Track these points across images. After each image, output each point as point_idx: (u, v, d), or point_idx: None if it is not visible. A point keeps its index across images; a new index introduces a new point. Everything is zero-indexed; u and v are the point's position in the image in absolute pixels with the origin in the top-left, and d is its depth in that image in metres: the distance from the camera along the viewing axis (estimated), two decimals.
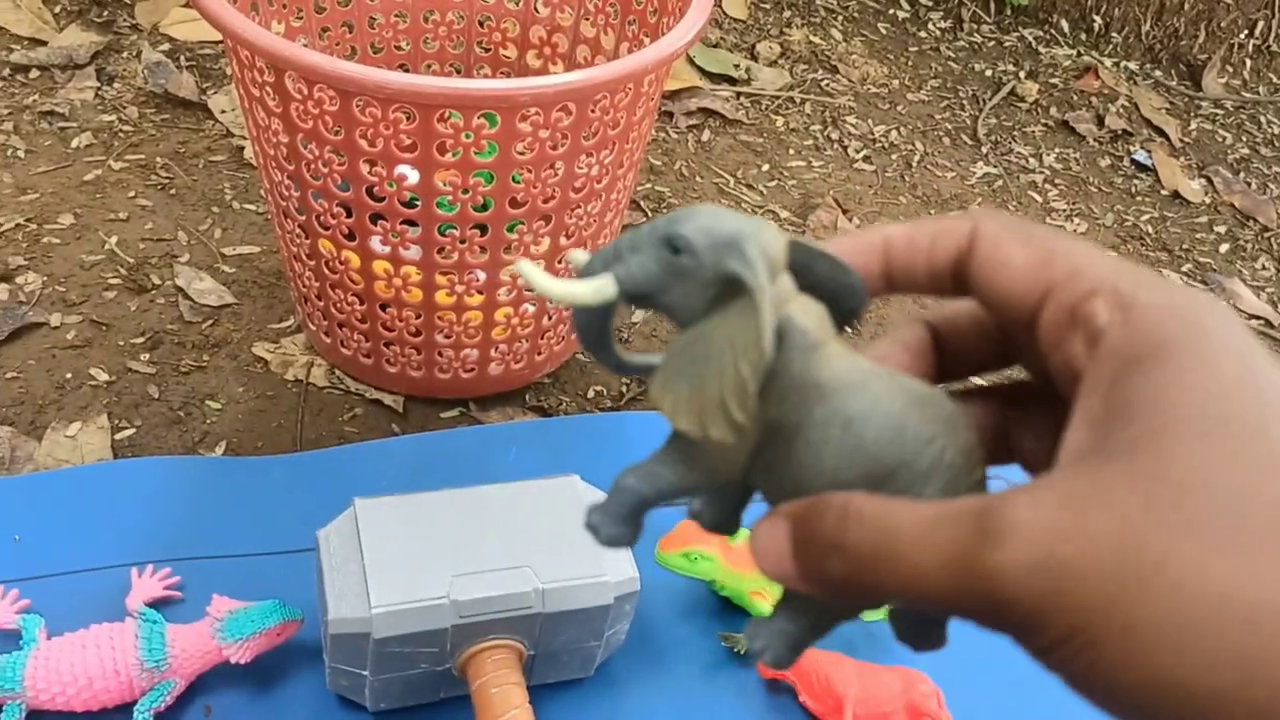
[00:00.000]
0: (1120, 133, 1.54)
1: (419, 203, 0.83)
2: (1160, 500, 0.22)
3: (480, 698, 0.69)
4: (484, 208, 0.84)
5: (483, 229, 0.86)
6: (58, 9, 1.38)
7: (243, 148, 1.23)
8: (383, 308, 0.93)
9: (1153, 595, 0.22)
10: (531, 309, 0.95)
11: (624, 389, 1.05)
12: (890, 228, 0.30)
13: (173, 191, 1.16)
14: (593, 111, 0.81)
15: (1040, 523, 0.23)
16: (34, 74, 1.28)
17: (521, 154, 0.81)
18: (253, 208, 1.16)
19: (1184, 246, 1.36)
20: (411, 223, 0.85)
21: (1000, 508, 0.24)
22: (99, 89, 1.27)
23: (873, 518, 0.26)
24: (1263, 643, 0.21)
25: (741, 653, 0.80)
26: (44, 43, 1.32)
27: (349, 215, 0.86)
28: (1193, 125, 1.60)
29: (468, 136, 0.78)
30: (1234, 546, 0.21)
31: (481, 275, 0.90)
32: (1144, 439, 0.23)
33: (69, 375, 0.96)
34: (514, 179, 0.82)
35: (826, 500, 0.27)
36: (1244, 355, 0.23)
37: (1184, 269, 1.33)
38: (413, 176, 0.82)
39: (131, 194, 1.15)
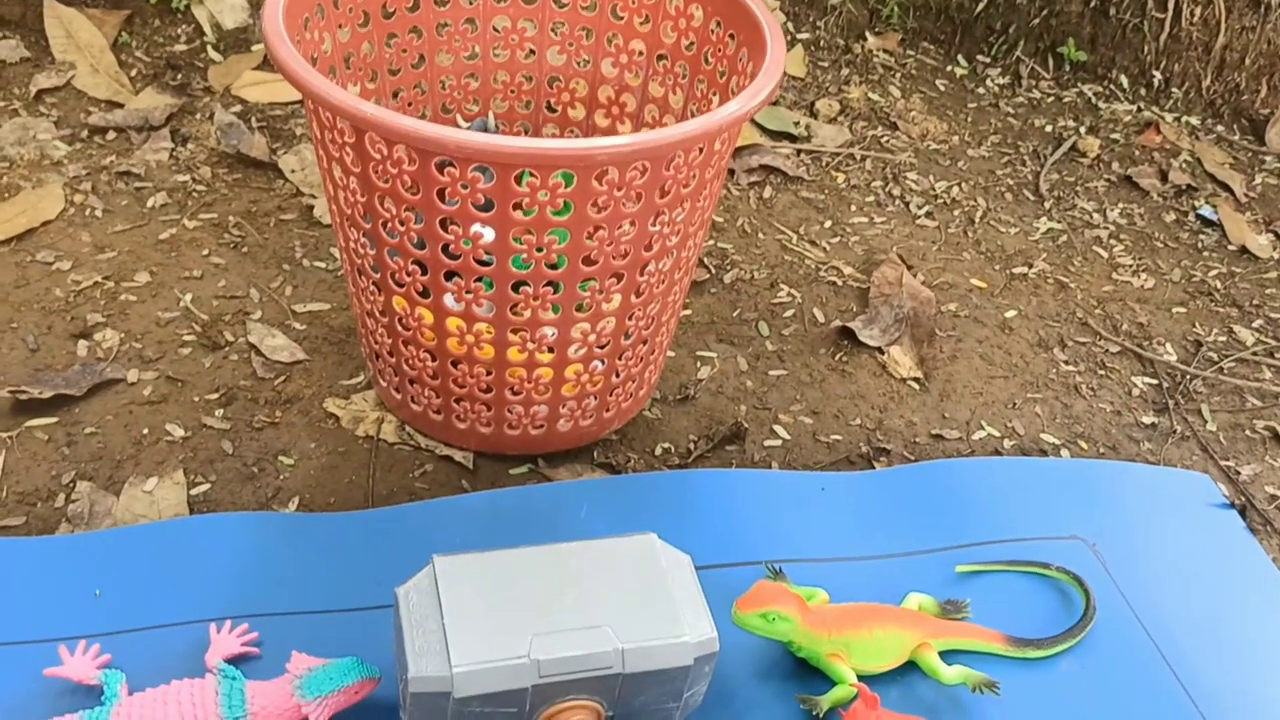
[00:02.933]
0: (1185, 188, 1.53)
1: (493, 260, 0.84)
2: None
3: None
4: (557, 265, 0.84)
5: (555, 286, 0.86)
6: (134, 73, 1.41)
7: (312, 206, 1.25)
8: (454, 364, 0.93)
9: None
10: (601, 366, 0.95)
11: (691, 446, 1.04)
12: None
13: (245, 250, 1.18)
14: (667, 170, 0.82)
15: None
16: (111, 135, 1.31)
17: (596, 212, 0.81)
18: (323, 265, 1.18)
19: (1254, 302, 1.34)
20: (485, 280, 0.85)
21: None
22: (173, 150, 1.30)
23: None
24: None
25: (819, 716, 0.79)
26: (120, 105, 1.35)
27: (424, 273, 0.86)
28: (1257, 180, 1.58)
29: (544, 195, 0.79)
30: None
31: (552, 332, 0.90)
32: None
33: (145, 431, 0.97)
34: (588, 238, 0.83)
35: None
36: None
37: (1254, 324, 1.31)
38: (488, 235, 0.83)
39: (205, 252, 1.17)
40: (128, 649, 0.77)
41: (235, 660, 0.77)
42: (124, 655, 0.76)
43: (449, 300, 0.88)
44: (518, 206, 0.80)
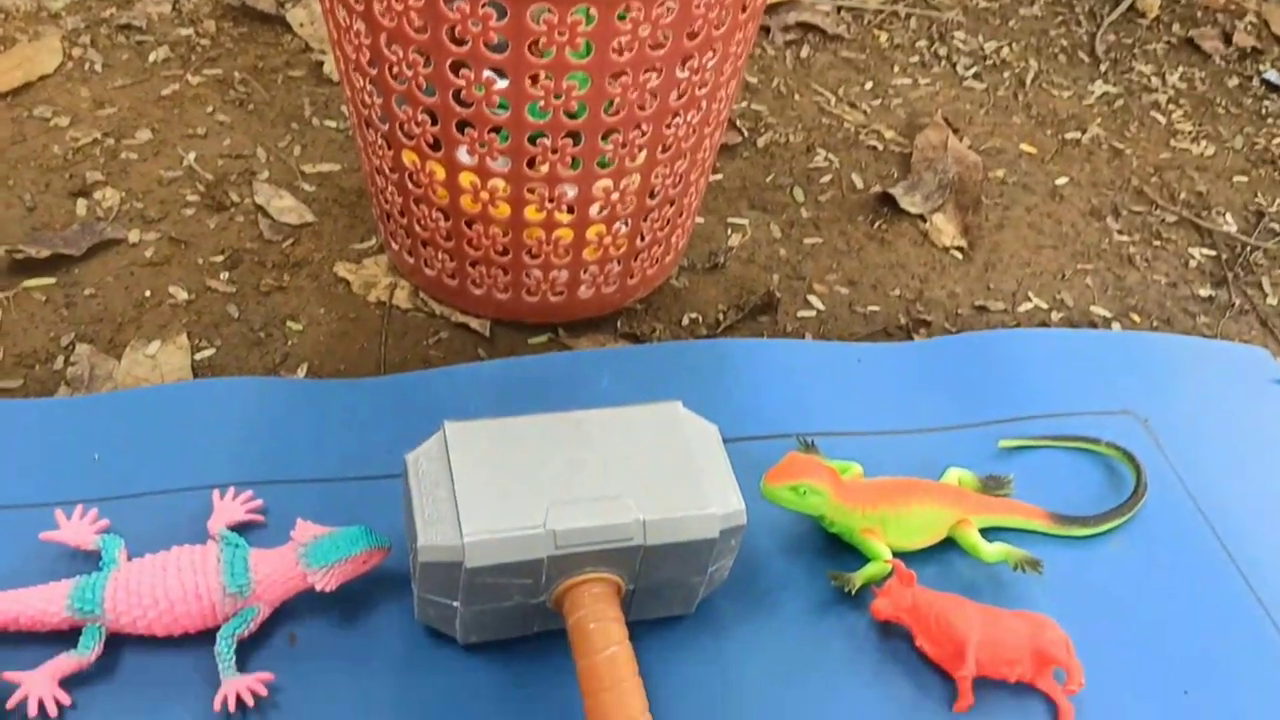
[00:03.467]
0: (1249, 51, 1.43)
1: (508, 108, 0.77)
2: None
3: (577, 633, 0.65)
4: (577, 115, 0.78)
5: (575, 138, 0.80)
6: None
7: (322, 63, 1.18)
8: (468, 224, 0.88)
9: None
10: (625, 228, 0.89)
11: (720, 316, 0.99)
12: None
13: (251, 107, 1.12)
14: (697, 8, 0.75)
15: None
16: None
17: (619, 55, 0.75)
18: (333, 124, 1.12)
19: None
20: (500, 131, 0.79)
21: None
22: (176, 2, 1.23)
23: None
24: None
25: (852, 593, 0.75)
26: None
27: (434, 123, 0.80)
28: None
29: (562, 35, 0.72)
30: None
31: (572, 190, 0.85)
32: None
33: (147, 293, 0.93)
34: (610, 83, 0.76)
35: None
36: None
37: None
38: (502, 82, 0.76)
39: (209, 109, 1.11)
40: (127, 515, 0.73)
41: (239, 528, 0.73)
42: (123, 521, 0.73)
43: (461, 154, 0.82)
44: (534, 48, 0.73)
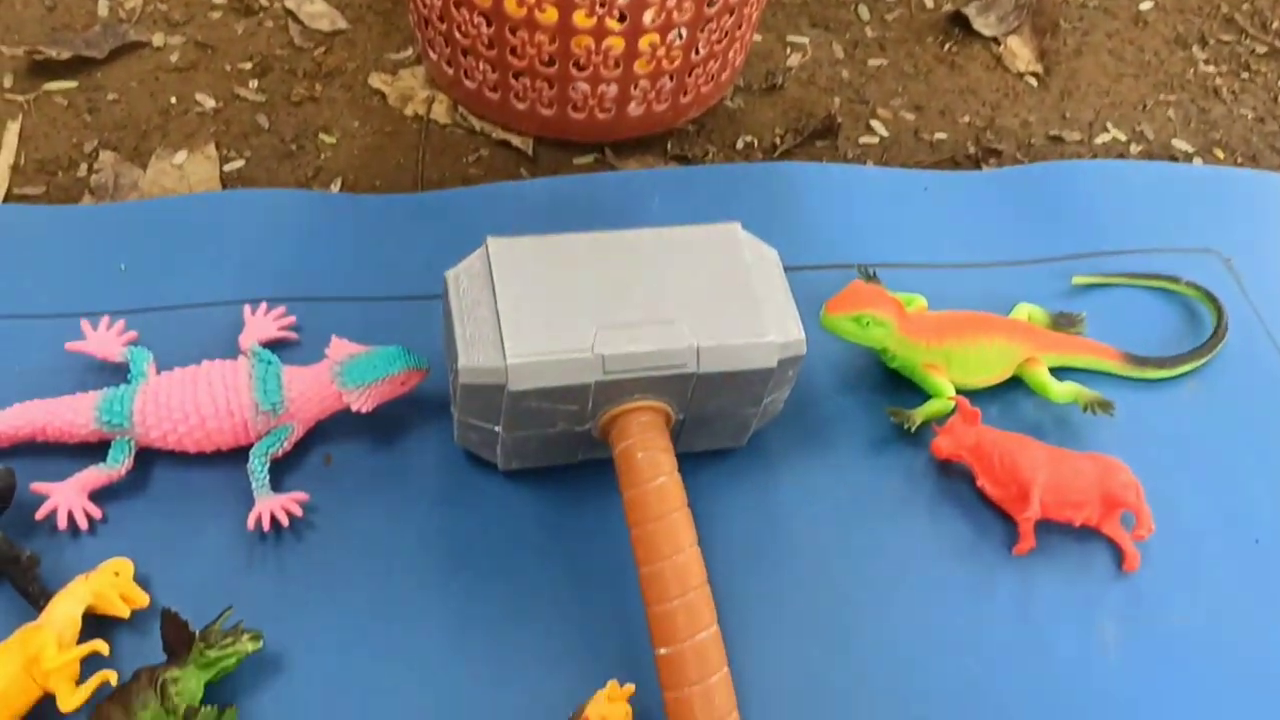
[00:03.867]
0: None
1: None
2: None
3: (624, 462, 0.62)
4: None
5: None
6: None
7: None
8: (512, 30, 0.81)
9: None
10: (680, 39, 0.83)
11: (777, 140, 0.93)
12: None
13: None
14: None
15: None
16: None
17: None
18: None
19: None
20: None
21: None
22: None
23: None
24: None
25: (911, 430, 0.71)
26: None
27: None
28: None
29: None
30: None
31: None
32: None
33: (173, 100, 0.88)
34: None
35: None
36: None
37: None
38: None
39: None
40: (155, 327, 0.70)
41: (271, 345, 0.70)
42: (151, 334, 0.70)
43: None
44: None
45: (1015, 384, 0.75)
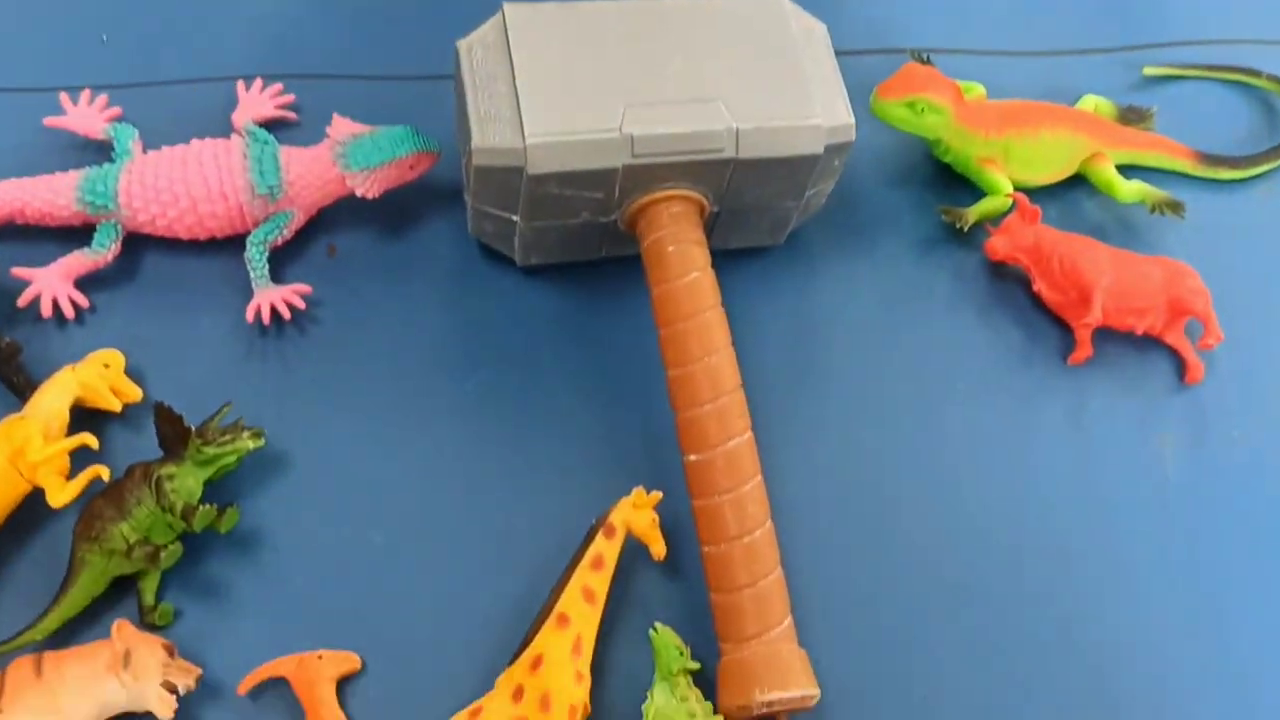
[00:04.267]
0: None
1: None
2: None
3: (653, 256, 0.57)
4: None
5: None
6: None
7: None
8: None
9: None
10: None
11: None
12: None
13: None
14: None
15: None
16: None
17: None
18: None
19: None
20: None
21: None
22: None
23: None
24: None
25: (964, 229, 0.66)
26: None
27: None
28: None
29: None
30: None
31: None
32: None
33: None
34: None
35: None
36: None
37: None
38: None
39: None
40: (140, 103, 0.65)
41: (267, 125, 0.64)
42: (136, 110, 0.64)
43: None
44: None
45: (1077, 182, 0.69)
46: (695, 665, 0.46)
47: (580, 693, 0.50)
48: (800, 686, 0.49)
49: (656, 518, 0.54)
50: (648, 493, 0.54)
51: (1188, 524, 0.59)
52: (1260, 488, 0.61)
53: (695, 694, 0.46)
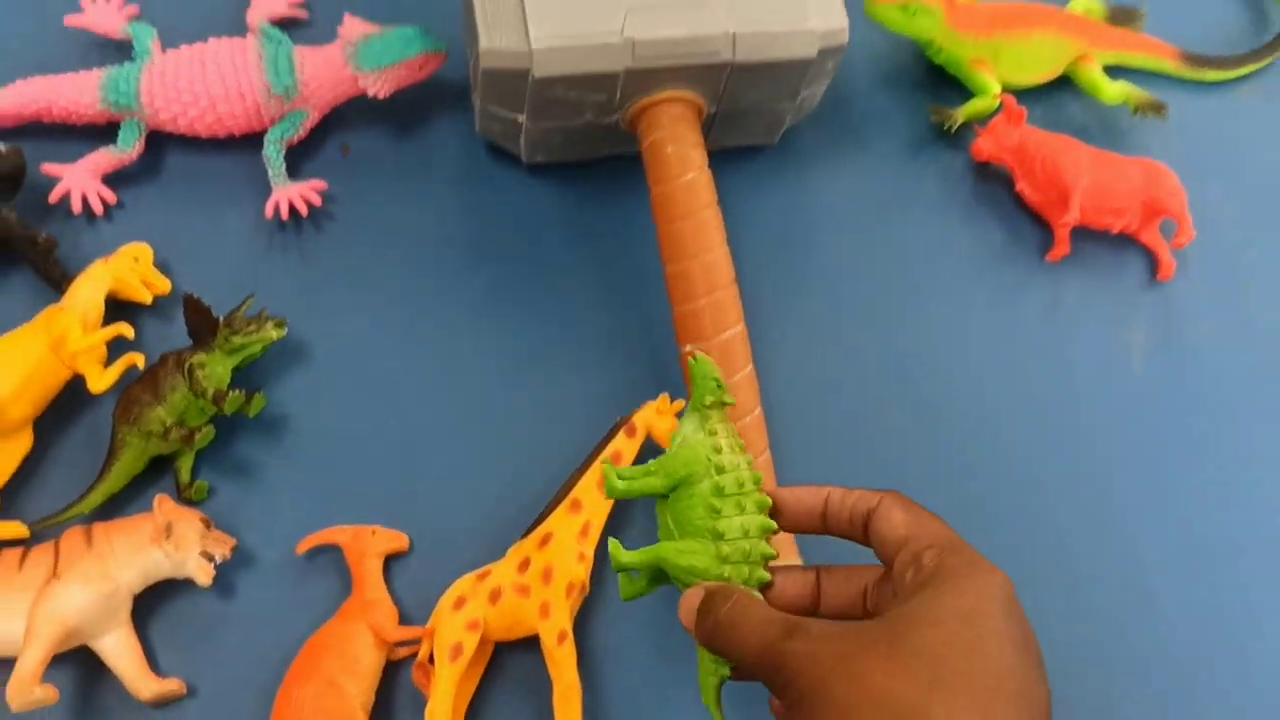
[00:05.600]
0: None
1: None
2: (877, 642, 0.35)
3: (653, 156, 0.59)
4: None
5: None
6: None
7: None
8: None
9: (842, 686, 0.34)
10: None
11: None
12: (829, 489, 0.42)
13: None
14: None
15: (820, 632, 0.37)
16: None
17: None
18: None
19: None
20: None
21: (807, 623, 0.37)
22: None
23: (739, 606, 0.39)
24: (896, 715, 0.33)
25: (952, 129, 0.68)
26: None
27: None
28: None
29: None
30: (901, 670, 0.34)
31: None
32: (901, 618, 0.36)
33: None
34: None
35: (729, 588, 0.40)
36: (986, 602, 0.36)
37: None
38: None
39: None
40: (157, 2, 0.66)
41: (281, 24, 0.66)
42: (154, 8, 0.66)
43: None
44: None
45: (1061, 83, 0.71)
46: (730, 400, 0.42)
47: (581, 571, 0.54)
48: None
49: (678, 424, 0.58)
50: (671, 401, 0.58)
51: (1153, 415, 0.63)
52: (1225, 383, 0.64)
53: (727, 429, 0.42)
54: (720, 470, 0.41)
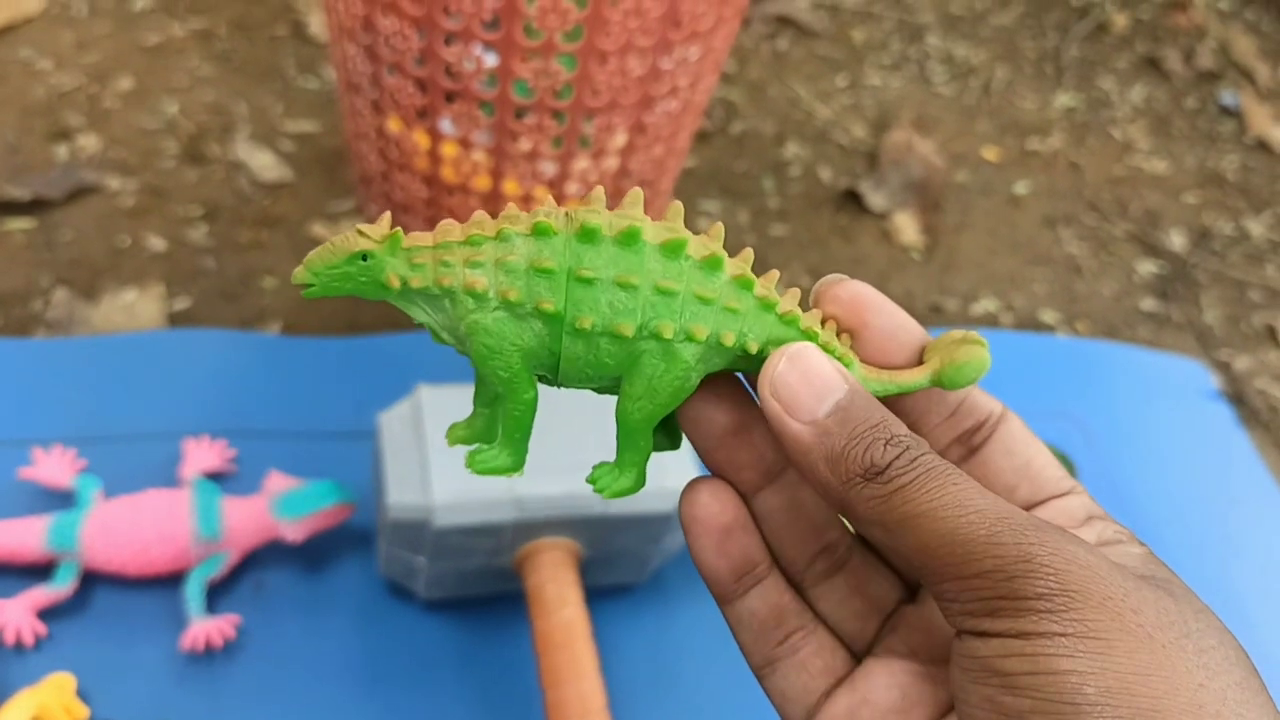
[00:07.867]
0: (1208, 73, 1.48)
1: (496, 84, 0.80)
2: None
3: (535, 595, 0.68)
4: (562, 95, 0.81)
5: (559, 118, 0.83)
6: None
7: (303, 23, 1.20)
8: (448, 193, 0.90)
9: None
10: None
11: None
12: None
13: (234, 63, 1.13)
14: (683, 3, 0.77)
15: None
16: None
17: (607, 40, 0.77)
18: (315, 85, 1.13)
19: (1265, 196, 1.32)
20: (486, 106, 0.82)
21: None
22: None
23: (954, 496, 0.29)
24: None
25: None
26: None
27: (422, 94, 0.83)
28: None
29: (554, 19, 0.75)
30: None
31: (552, 168, 0.87)
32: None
33: (127, 241, 0.94)
34: (597, 68, 0.79)
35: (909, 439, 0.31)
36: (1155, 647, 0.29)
37: (1263, 218, 1.28)
38: (490, 59, 0.79)
39: (193, 62, 1.12)
40: (104, 456, 0.75)
41: (212, 476, 0.76)
42: (100, 462, 0.75)
43: (446, 125, 0.85)
44: (526, 30, 0.76)
45: None
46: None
47: None
48: None
49: None
50: None
51: None
52: None
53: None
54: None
